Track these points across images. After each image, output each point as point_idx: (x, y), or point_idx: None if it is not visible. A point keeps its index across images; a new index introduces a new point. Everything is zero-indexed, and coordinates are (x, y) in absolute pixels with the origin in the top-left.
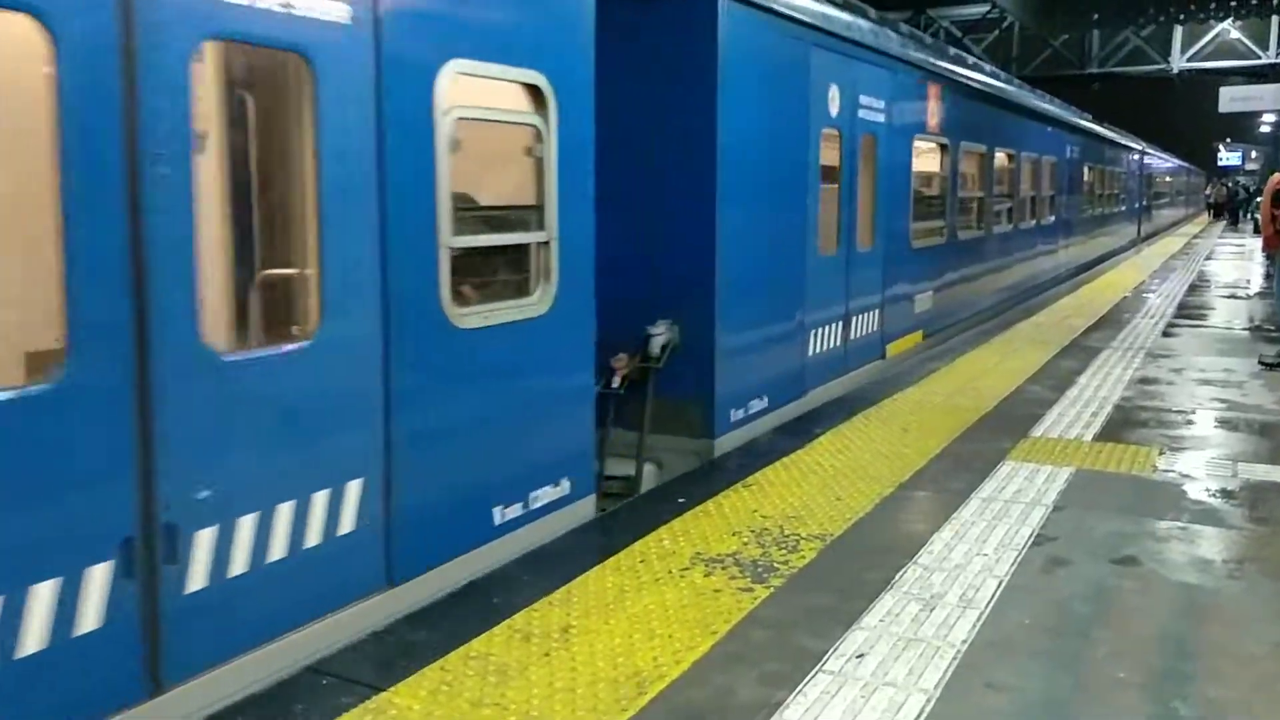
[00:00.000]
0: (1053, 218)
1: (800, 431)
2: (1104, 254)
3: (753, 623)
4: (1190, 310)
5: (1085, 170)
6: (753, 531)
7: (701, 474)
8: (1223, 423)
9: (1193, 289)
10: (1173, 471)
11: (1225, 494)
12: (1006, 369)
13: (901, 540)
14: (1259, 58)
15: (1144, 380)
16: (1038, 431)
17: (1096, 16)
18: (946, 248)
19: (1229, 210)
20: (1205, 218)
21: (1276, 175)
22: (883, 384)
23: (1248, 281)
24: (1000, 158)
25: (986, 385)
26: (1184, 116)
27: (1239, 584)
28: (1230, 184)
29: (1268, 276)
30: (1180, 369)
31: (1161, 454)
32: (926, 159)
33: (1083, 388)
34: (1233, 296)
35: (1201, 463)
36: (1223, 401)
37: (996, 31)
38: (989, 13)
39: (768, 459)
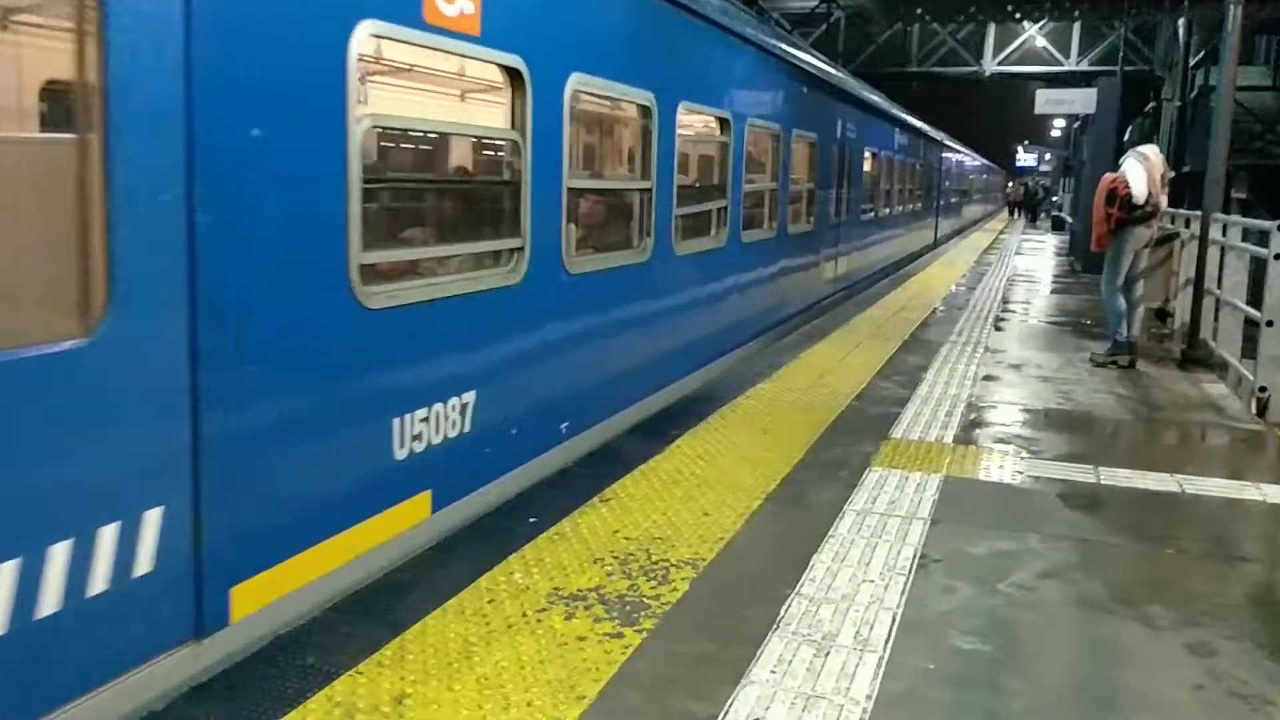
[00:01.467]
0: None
1: (656, 432)
2: (878, 269)
3: (626, 681)
4: (1013, 305)
5: (863, 158)
6: (616, 558)
7: (551, 484)
8: (1071, 423)
9: (1010, 282)
10: (1038, 478)
11: (1093, 503)
12: (854, 364)
13: (779, 565)
14: (1061, 64)
15: (988, 377)
16: (897, 433)
17: (921, 11)
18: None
19: (1028, 208)
20: (1005, 215)
21: (1108, 175)
22: (735, 378)
23: (1057, 275)
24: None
25: (837, 382)
26: (990, 118)
27: (1134, 613)
28: (1030, 183)
29: (1075, 271)
30: (1018, 365)
31: (1022, 458)
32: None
33: (931, 384)
34: (1051, 292)
35: (1062, 469)
36: (1066, 400)
37: (824, 26)
38: (817, 7)
39: (625, 466)
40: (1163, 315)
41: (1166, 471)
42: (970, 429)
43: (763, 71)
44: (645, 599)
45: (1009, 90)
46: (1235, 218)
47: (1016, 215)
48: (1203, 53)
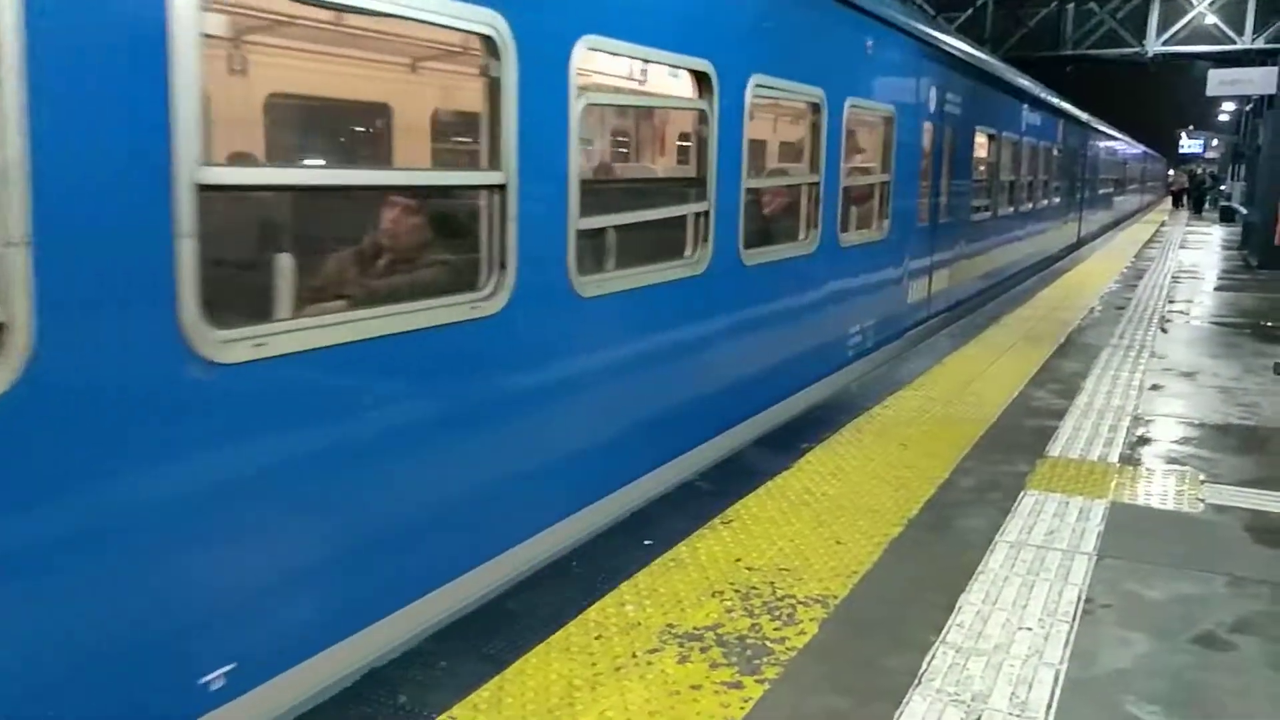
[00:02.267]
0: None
1: (784, 445)
2: (996, 282)
3: None
4: (1180, 304)
5: (976, 141)
6: (737, 591)
7: (669, 501)
8: (1257, 441)
9: (1175, 279)
10: (1221, 507)
11: None
12: (1003, 370)
13: (922, 606)
14: (1234, 43)
15: (1156, 387)
16: (1054, 450)
17: None
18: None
19: (1193, 198)
20: (1168, 205)
21: None
22: (873, 386)
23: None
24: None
25: (985, 390)
26: (1152, 103)
27: None
28: (1196, 170)
29: (1249, 267)
30: (1190, 373)
31: (1202, 482)
32: None
33: (1091, 394)
34: (1218, 289)
35: (1250, 496)
36: (1250, 413)
37: (970, 10)
38: None
39: (750, 482)
40: None
41: None
42: (1138, 447)
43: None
44: (769, 642)
45: (1173, 72)
46: None
47: (1181, 205)
48: None
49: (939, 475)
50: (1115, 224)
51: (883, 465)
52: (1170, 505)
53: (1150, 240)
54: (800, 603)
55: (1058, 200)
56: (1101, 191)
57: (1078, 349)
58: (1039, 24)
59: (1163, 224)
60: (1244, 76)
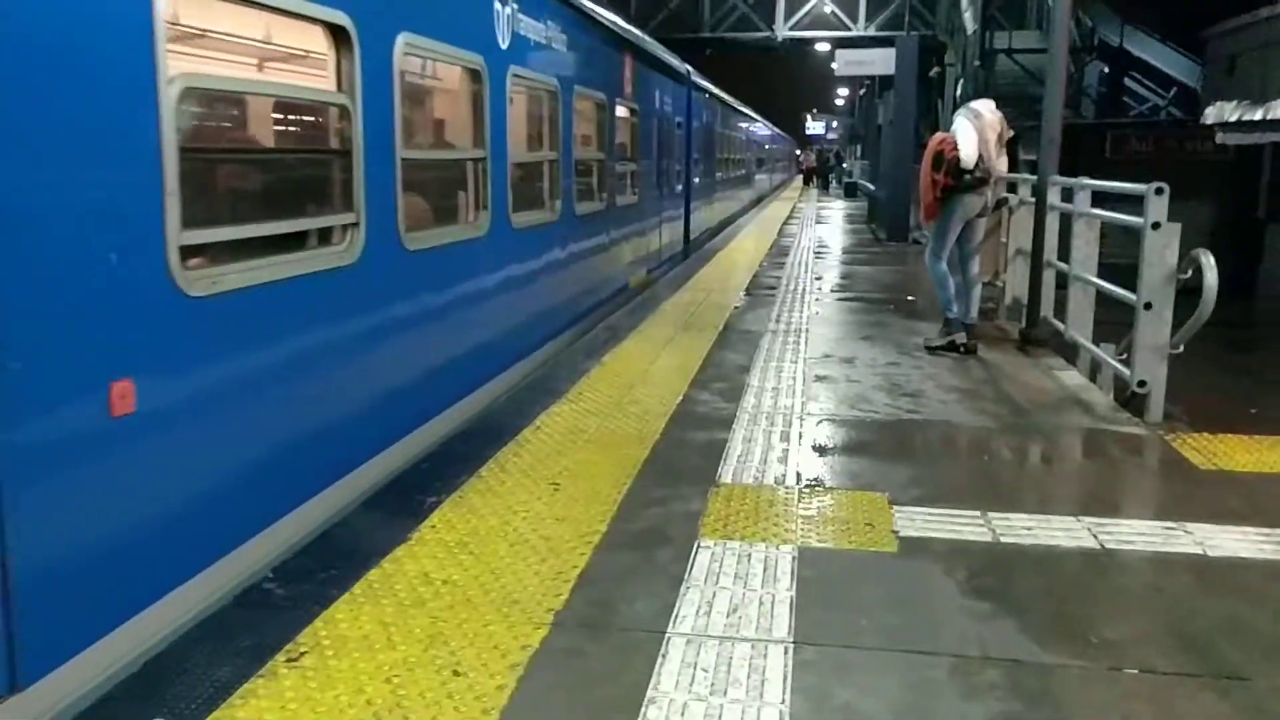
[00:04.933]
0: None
1: (410, 496)
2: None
3: None
4: (826, 281)
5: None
6: None
7: (216, 622)
8: (932, 440)
9: (818, 255)
10: (915, 541)
11: (1001, 581)
12: (666, 368)
13: None
14: (850, 29)
15: (820, 378)
16: (727, 474)
17: None
18: None
19: (821, 175)
20: (799, 183)
21: (937, 135)
22: (527, 400)
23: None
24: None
25: (648, 396)
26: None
27: None
28: (822, 150)
29: (879, 240)
30: (849, 358)
31: (893, 504)
32: None
33: (758, 393)
34: (858, 263)
35: (945, 520)
36: (916, 405)
37: None
38: None
39: (346, 574)
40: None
41: (1069, 513)
42: (815, 458)
43: None
44: None
45: (798, 58)
46: (1088, 180)
47: (810, 183)
48: (983, 16)
49: (597, 528)
50: (743, 212)
51: (528, 521)
52: (862, 542)
53: (789, 217)
54: None
55: (641, 195)
56: (721, 176)
57: (738, 336)
58: (680, 5)
59: (796, 201)
60: (868, 57)
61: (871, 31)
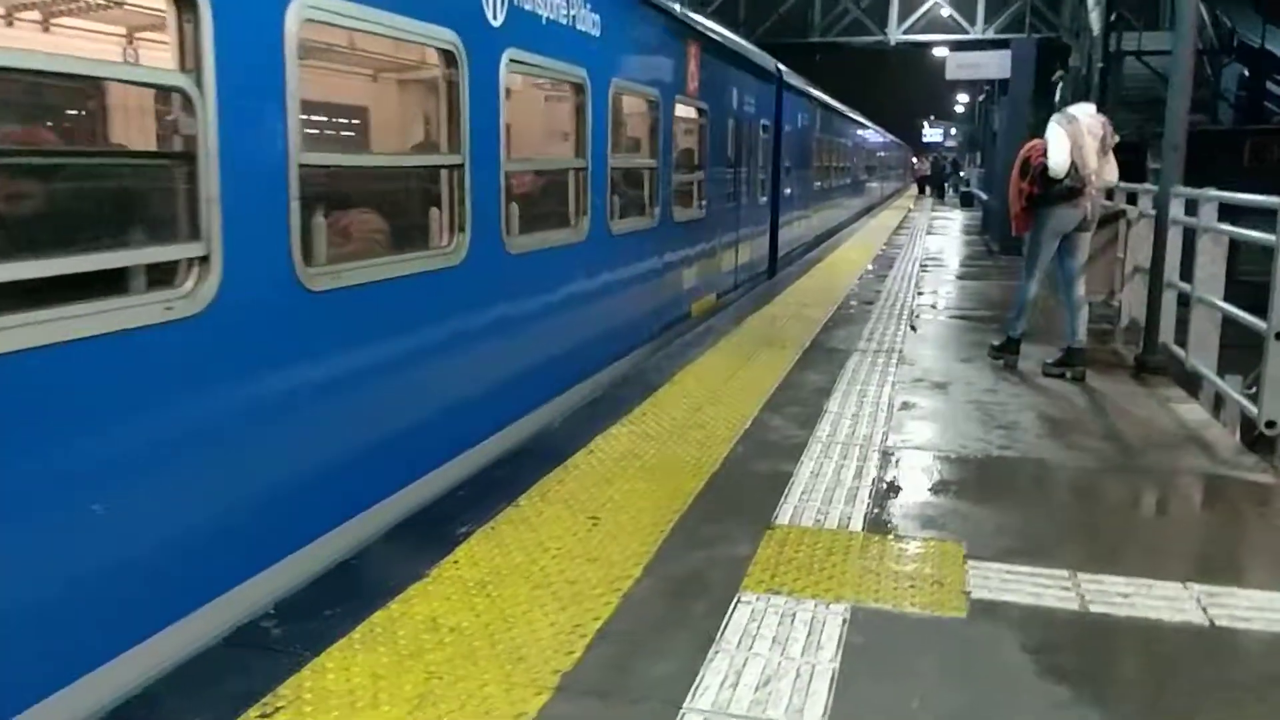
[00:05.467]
0: None
1: (437, 529)
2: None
3: None
4: (928, 295)
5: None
6: None
7: (196, 670)
8: (1021, 484)
9: (924, 268)
10: (989, 605)
11: (1088, 658)
12: (741, 386)
13: None
14: (968, 32)
15: (906, 405)
16: (785, 513)
17: None
18: None
19: (936, 184)
20: (914, 191)
21: (1030, 141)
22: (584, 420)
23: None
24: None
25: (715, 419)
26: (897, 93)
27: None
28: (937, 157)
29: (991, 252)
30: (942, 383)
31: (966, 558)
32: None
33: (835, 420)
34: (963, 278)
35: (1020, 581)
36: (1009, 440)
37: None
38: None
39: (351, 607)
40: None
41: (1175, 578)
42: (885, 499)
43: None
44: None
45: (915, 62)
46: (1214, 192)
47: (926, 192)
48: (1113, 16)
49: (630, 573)
50: (848, 223)
51: (558, 561)
52: (927, 609)
53: (899, 227)
54: None
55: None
56: (819, 186)
57: (824, 355)
58: (789, 11)
59: (911, 210)
60: (979, 60)
61: (990, 34)
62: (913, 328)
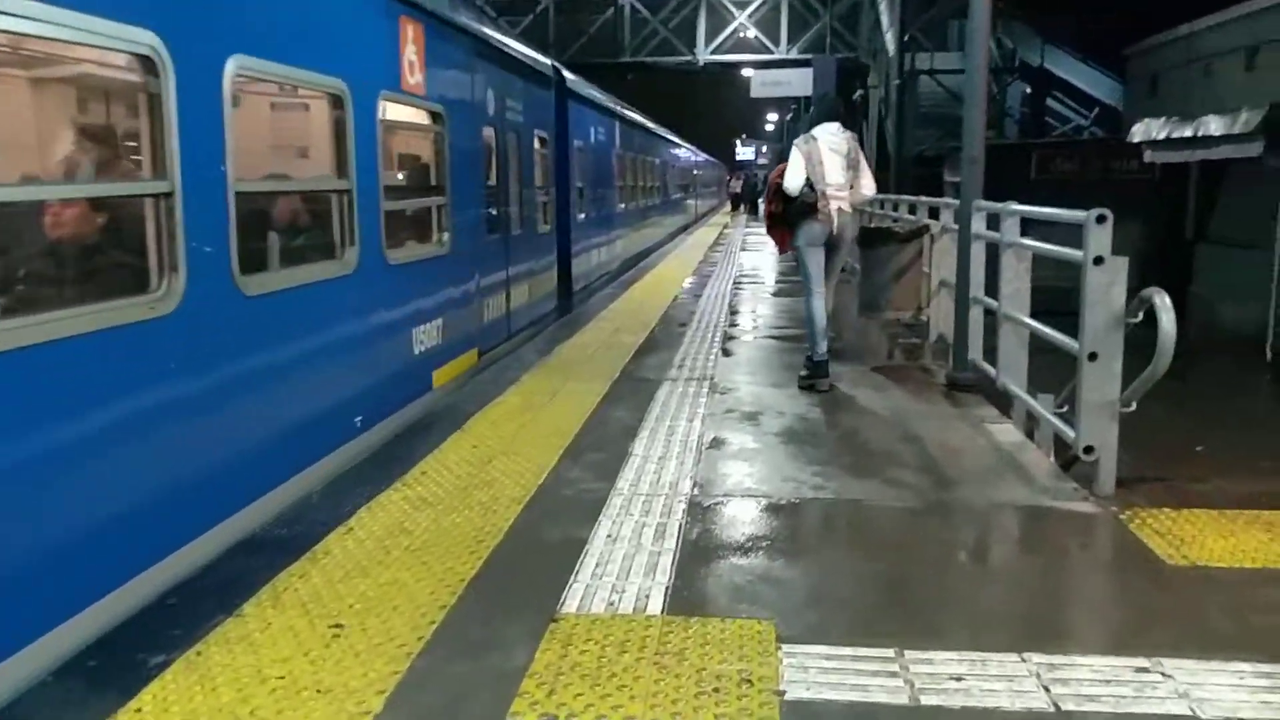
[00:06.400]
0: None
1: (123, 662)
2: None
3: None
4: (742, 314)
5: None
6: None
7: None
8: (838, 534)
9: (738, 285)
10: (812, 706)
11: None
12: (541, 429)
13: None
14: (772, 52)
15: (716, 443)
16: (573, 598)
17: None
18: None
19: (748, 201)
20: (729, 209)
21: (781, 164)
22: (346, 489)
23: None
24: None
25: (508, 470)
26: (709, 113)
27: None
28: (749, 175)
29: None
30: (753, 414)
31: (779, 643)
32: None
33: (640, 465)
34: (776, 294)
35: (839, 669)
36: (822, 478)
37: (531, 16)
38: None
39: None
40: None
41: (1010, 647)
42: (689, 565)
43: None
44: None
45: (726, 82)
46: (1016, 205)
47: (741, 209)
48: (905, 37)
49: (368, 705)
50: (682, 230)
51: (275, 696)
52: (736, 711)
53: (715, 244)
54: None
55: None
56: (639, 204)
57: (633, 387)
58: (599, 32)
59: (725, 227)
60: (783, 78)
61: (794, 54)
62: (725, 353)
